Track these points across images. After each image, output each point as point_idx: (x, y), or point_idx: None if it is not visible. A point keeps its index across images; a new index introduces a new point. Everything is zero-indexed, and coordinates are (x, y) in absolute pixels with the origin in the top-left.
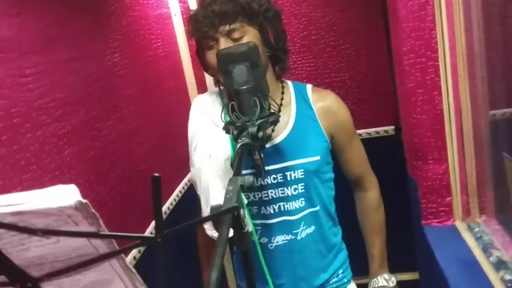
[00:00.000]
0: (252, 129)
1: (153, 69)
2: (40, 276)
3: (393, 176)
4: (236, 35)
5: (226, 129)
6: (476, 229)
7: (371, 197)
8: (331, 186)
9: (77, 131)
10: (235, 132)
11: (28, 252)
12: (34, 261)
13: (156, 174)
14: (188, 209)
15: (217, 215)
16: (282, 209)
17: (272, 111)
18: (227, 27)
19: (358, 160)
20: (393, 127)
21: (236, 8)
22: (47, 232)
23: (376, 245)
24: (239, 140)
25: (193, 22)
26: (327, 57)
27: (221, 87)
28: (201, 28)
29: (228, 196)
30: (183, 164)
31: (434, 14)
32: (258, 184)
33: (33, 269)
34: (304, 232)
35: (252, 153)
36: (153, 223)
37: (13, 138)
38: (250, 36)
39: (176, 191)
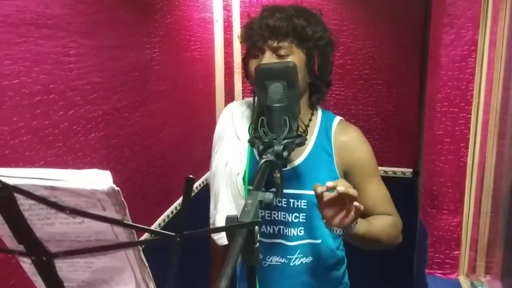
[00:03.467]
0: (278, 147)
1: (187, 70)
2: (56, 252)
3: (402, 219)
4: (282, 52)
5: (252, 142)
6: None
7: (390, 217)
8: None
9: (106, 117)
10: (261, 147)
11: (51, 227)
12: (54, 236)
13: (191, 176)
14: (198, 211)
15: (235, 227)
16: (282, 232)
17: (299, 133)
18: (275, 43)
19: (377, 201)
20: (411, 170)
21: (289, 28)
22: (74, 212)
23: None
24: (263, 156)
25: (247, 29)
26: (358, 89)
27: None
28: (252, 36)
29: (246, 209)
30: (199, 166)
31: (475, 67)
32: None
33: (52, 244)
34: (299, 260)
35: (273, 171)
36: (159, 220)
37: (46, 113)
38: (295, 57)
39: None
